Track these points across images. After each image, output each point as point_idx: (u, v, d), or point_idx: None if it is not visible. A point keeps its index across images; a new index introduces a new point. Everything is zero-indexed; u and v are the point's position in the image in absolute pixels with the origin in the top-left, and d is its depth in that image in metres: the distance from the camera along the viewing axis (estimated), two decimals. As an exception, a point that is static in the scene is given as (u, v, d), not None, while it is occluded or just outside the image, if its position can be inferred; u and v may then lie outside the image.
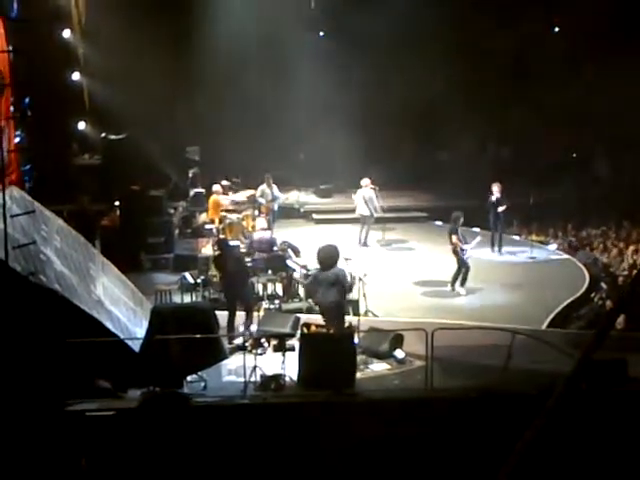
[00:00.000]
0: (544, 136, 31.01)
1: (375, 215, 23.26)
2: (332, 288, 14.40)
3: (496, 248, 22.41)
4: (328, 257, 14.79)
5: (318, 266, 15.15)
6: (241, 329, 15.41)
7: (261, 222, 20.42)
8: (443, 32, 28.52)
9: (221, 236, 20.34)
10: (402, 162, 30.75)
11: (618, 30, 28.88)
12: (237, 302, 15.55)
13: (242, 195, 23.30)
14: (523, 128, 31.17)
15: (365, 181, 23.26)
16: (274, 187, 23.72)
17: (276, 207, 23.94)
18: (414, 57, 29.13)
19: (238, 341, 14.92)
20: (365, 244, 23.05)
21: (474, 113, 30.34)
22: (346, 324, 14.86)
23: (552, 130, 30.79)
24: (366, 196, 22.98)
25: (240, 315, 15.61)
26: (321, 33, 31.41)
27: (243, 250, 19.13)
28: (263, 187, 23.39)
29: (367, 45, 27.58)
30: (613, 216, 26.31)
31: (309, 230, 25.32)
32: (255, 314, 15.69)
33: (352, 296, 16.90)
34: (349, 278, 15.23)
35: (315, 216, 27.21)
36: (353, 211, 23.56)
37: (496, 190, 22.06)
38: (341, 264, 15.34)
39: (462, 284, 19.21)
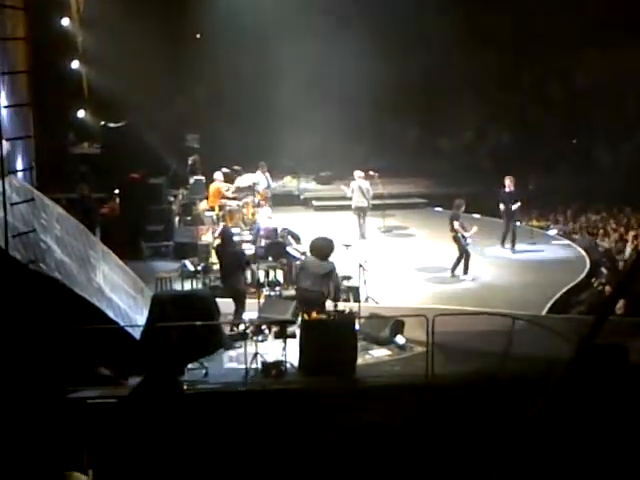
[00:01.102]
0: (544, 122, 30.98)
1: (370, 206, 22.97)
2: (321, 279, 14.39)
3: (507, 245, 21.57)
4: (320, 248, 14.81)
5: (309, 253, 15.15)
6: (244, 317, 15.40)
7: (266, 211, 20.39)
8: (443, 20, 28.44)
9: (223, 223, 20.33)
10: (402, 149, 30.71)
11: (620, 15, 28.80)
12: (230, 293, 15.45)
13: (242, 182, 23.21)
14: (523, 114, 31.16)
15: (359, 173, 22.86)
16: (267, 175, 23.65)
17: (269, 194, 23.86)
18: (415, 44, 29.11)
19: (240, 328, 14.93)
20: (364, 236, 22.63)
21: (474, 100, 30.35)
22: (346, 311, 14.87)
23: (552, 116, 30.78)
24: (363, 187, 22.60)
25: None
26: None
27: (248, 238, 19.16)
28: (259, 175, 23.27)
29: (368, 32, 27.49)
30: (613, 202, 26.28)
31: (309, 217, 25.29)
32: (255, 301, 15.68)
33: (353, 283, 16.95)
34: (340, 279, 15.28)
35: (315, 203, 27.18)
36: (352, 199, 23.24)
37: (508, 184, 21.42)
38: (340, 253, 15.33)
39: (465, 272, 19.18)
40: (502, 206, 21.49)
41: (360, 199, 22.51)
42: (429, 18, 28.15)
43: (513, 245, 21.51)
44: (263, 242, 18.83)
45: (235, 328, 14.93)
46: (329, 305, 14.89)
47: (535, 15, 30.16)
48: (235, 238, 17.59)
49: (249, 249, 18.16)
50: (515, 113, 31.39)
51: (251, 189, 22.65)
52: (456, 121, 31.70)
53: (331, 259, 14.92)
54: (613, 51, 28.36)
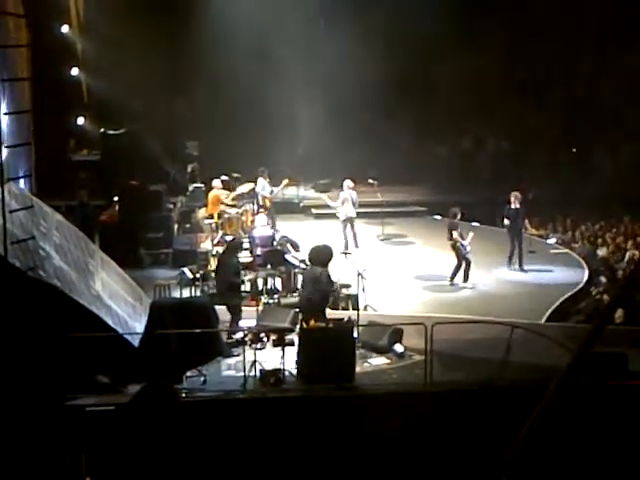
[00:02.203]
0: (544, 130, 30.99)
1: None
2: (310, 285, 14.39)
3: (515, 266, 20.52)
4: (316, 255, 14.83)
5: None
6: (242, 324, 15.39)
7: (261, 219, 20.37)
8: (441, 25, 28.43)
9: (222, 231, 20.34)
10: (401, 156, 30.71)
11: (619, 21, 28.85)
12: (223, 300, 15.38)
13: (242, 189, 23.16)
14: (523, 122, 31.17)
15: (349, 182, 22.37)
16: (268, 180, 23.56)
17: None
18: (412, 52, 29.10)
19: (237, 336, 14.91)
20: (357, 245, 22.06)
21: (473, 107, 30.35)
22: (345, 319, 14.87)
23: (552, 124, 30.80)
24: (354, 197, 22.28)
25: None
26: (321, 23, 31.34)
27: (246, 246, 19.15)
28: (262, 181, 23.14)
29: (366, 41, 27.49)
30: (612, 211, 26.30)
31: (308, 225, 25.29)
32: (253, 309, 15.68)
33: (351, 290, 16.94)
34: (334, 284, 15.23)
35: (314, 211, 27.16)
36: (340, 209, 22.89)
37: (514, 200, 20.46)
38: (339, 262, 15.31)
39: (465, 280, 19.14)
40: (507, 222, 20.61)
41: (351, 209, 22.05)
42: (428, 21, 28.05)
43: (521, 264, 20.57)
44: (259, 250, 18.82)
45: (232, 336, 14.93)
46: (327, 312, 14.89)
47: (534, 21, 30.18)
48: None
49: (246, 257, 18.17)
50: (514, 120, 31.38)
51: (251, 196, 22.62)
52: (455, 129, 31.74)
53: (330, 266, 14.89)
54: (612, 57, 28.39)
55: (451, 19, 28.46)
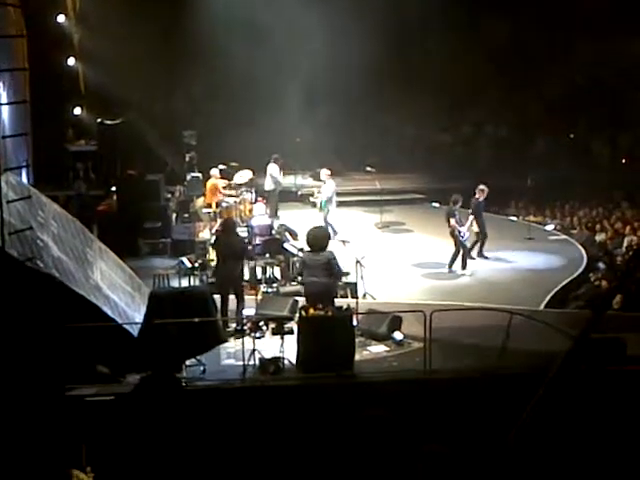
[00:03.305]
0: (542, 117, 30.98)
1: None
2: (322, 271, 14.32)
3: (486, 253, 20.26)
4: (317, 239, 14.75)
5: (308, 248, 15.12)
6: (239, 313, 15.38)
7: (259, 207, 20.33)
8: (441, 16, 28.38)
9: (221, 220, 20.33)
10: (400, 144, 30.68)
11: (616, 7, 28.81)
12: (229, 286, 15.43)
13: (241, 178, 23.13)
14: (521, 109, 31.15)
15: (328, 171, 22.18)
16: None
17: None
18: (412, 41, 29.07)
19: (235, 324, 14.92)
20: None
21: (472, 95, 30.34)
22: (344, 307, 14.88)
23: (550, 111, 30.78)
24: (336, 188, 22.22)
25: (232, 299, 15.51)
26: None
27: (244, 235, 19.16)
28: (276, 168, 22.95)
29: (366, 29, 27.42)
30: (611, 197, 26.31)
31: (306, 213, 25.26)
32: (252, 297, 15.68)
33: (350, 278, 16.94)
34: (341, 265, 15.14)
35: (312, 199, 27.11)
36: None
37: (480, 194, 20.15)
38: (336, 247, 15.27)
39: (463, 267, 19.14)
40: (472, 217, 19.95)
41: (335, 200, 21.79)
42: (429, 9, 27.96)
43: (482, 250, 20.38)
44: (257, 239, 18.80)
45: (231, 324, 14.92)
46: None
47: (535, 10, 30.13)
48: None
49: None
50: (513, 108, 31.36)
51: (250, 185, 22.59)
52: (454, 116, 31.71)
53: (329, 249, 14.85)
54: (610, 43, 28.33)
55: (453, 7, 28.42)
